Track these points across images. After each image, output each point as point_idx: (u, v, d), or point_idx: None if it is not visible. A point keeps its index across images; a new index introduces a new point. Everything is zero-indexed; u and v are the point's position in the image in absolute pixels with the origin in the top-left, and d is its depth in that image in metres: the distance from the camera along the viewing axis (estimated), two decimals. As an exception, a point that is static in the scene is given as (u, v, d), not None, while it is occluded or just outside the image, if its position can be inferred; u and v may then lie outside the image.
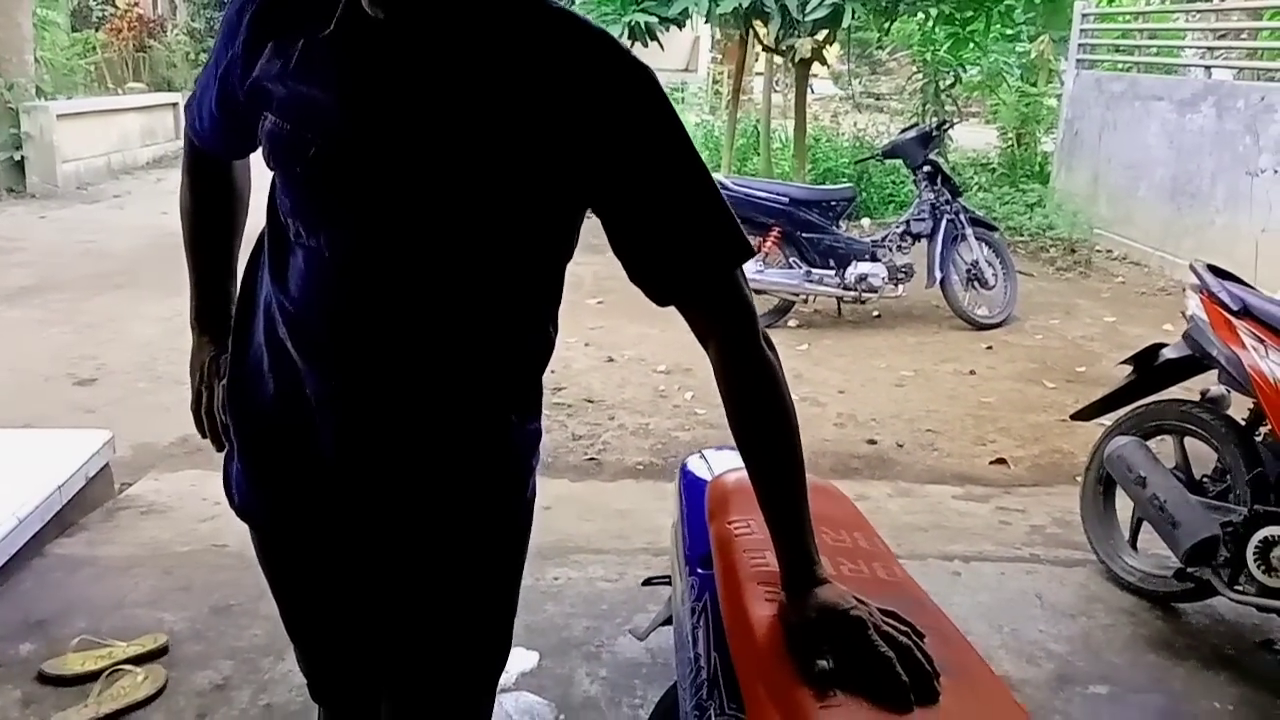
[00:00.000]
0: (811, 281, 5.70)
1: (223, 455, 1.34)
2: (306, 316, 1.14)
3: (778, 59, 7.60)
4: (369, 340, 1.11)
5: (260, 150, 1.15)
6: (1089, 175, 8.52)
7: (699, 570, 1.31)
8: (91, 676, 2.30)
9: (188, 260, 1.43)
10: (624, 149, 1.07)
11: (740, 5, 6.17)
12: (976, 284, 5.92)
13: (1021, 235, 8.15)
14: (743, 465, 1.15)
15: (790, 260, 5.75)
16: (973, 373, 5.15)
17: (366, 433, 1.15)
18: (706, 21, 7.12)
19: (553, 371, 4.85)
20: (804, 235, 5.71)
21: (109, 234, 7.86)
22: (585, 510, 3.48)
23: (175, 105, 11.92)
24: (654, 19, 6.67)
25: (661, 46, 6.95)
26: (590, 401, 4.60)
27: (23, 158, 9.14)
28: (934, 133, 6.17)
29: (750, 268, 5.60)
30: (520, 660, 2.51)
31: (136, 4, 21.52)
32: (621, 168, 1.07)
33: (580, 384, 4.81)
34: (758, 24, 6.70)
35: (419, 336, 1.12)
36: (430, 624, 1.25)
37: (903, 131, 6.61)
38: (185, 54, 20.33)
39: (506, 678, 2.45)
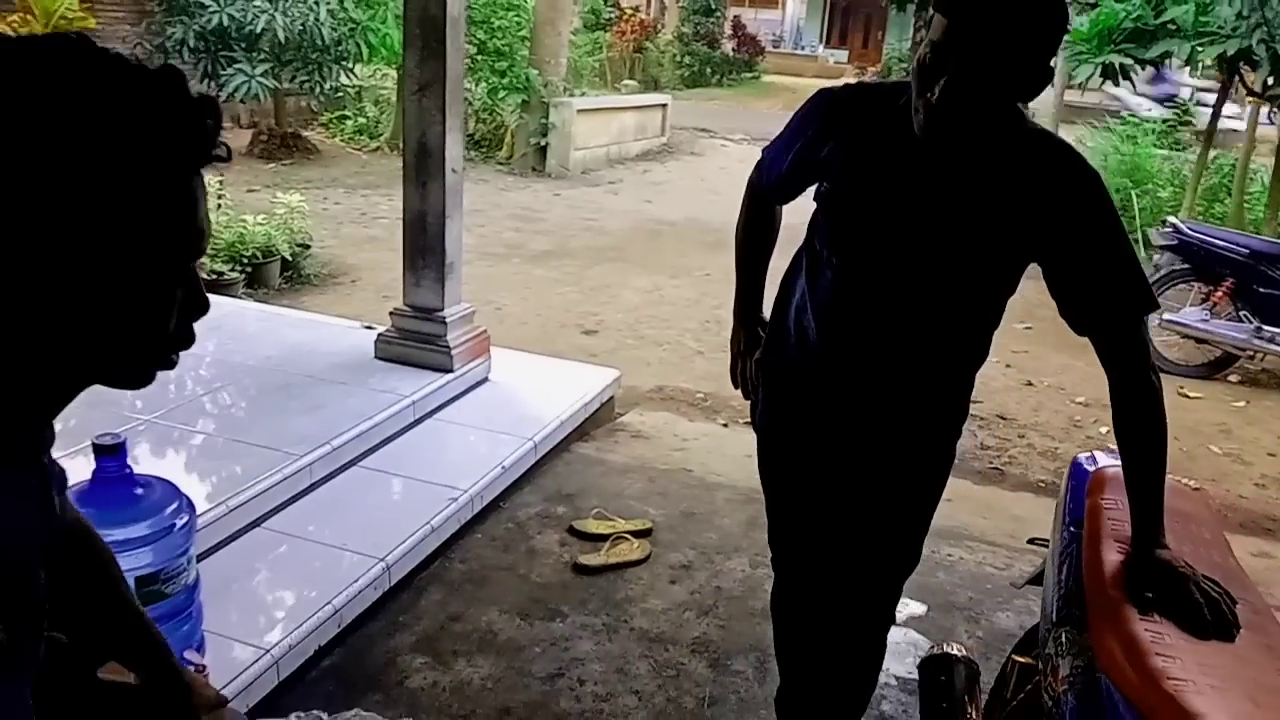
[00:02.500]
0: (1261, 339, 5.50)
1: (748, 403, 2.10)
2: (827, 309, 1.82)
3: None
4: (866, 330, 1.77)
5: (815, 197, 1.85)
6: None
7: (1072, 529, 1.82)
8: (602, 537, 3.25)
9: (737, 270, 2.18)
10: (1072, 229, 1.60)
11: (1225, 52, 6.00)
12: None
13: None
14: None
15: (1241, 314, 5.59)
16: None
17: (857, 384, 1.82)
18: (1186, 65, 6.95)
19: (971, 385, 5.28)
20: (1261, 290, 5.52)
21: (605, 214, 9.43)
22: (983, 509, 3.93)
23: (664, 106, 13.64)
24: (1130, 60, 6.68)
25: (1133, 85, 6.93)
26: (1002, 418, 4.96)
27: (546, 144, 11.16)
28: None
29: (1194, 315, 5.57)
30: (911, 607, 3.09)
31: (639, 9, 24.35)
32: (1068, 241, 1.60)
33: (995, 401, 5.17)
34: (1244, 69, 6.44)
35: (900, 331, 1.76)
36: (877, 520, 1.90)
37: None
38: (672, 56, 22.77)
39: (898, 616, 3.06)
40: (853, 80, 1.82)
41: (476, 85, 11.38)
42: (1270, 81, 6.44)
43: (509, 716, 2.47)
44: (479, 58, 11.48)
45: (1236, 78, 6.65)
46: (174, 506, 2.11)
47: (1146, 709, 1.34)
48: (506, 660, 2.68)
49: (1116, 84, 6.91)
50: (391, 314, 4.02)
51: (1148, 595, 1.51)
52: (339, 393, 3.65)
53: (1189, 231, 5.74)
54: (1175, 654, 1.41)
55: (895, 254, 1.69)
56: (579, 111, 11.24)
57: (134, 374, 0.93)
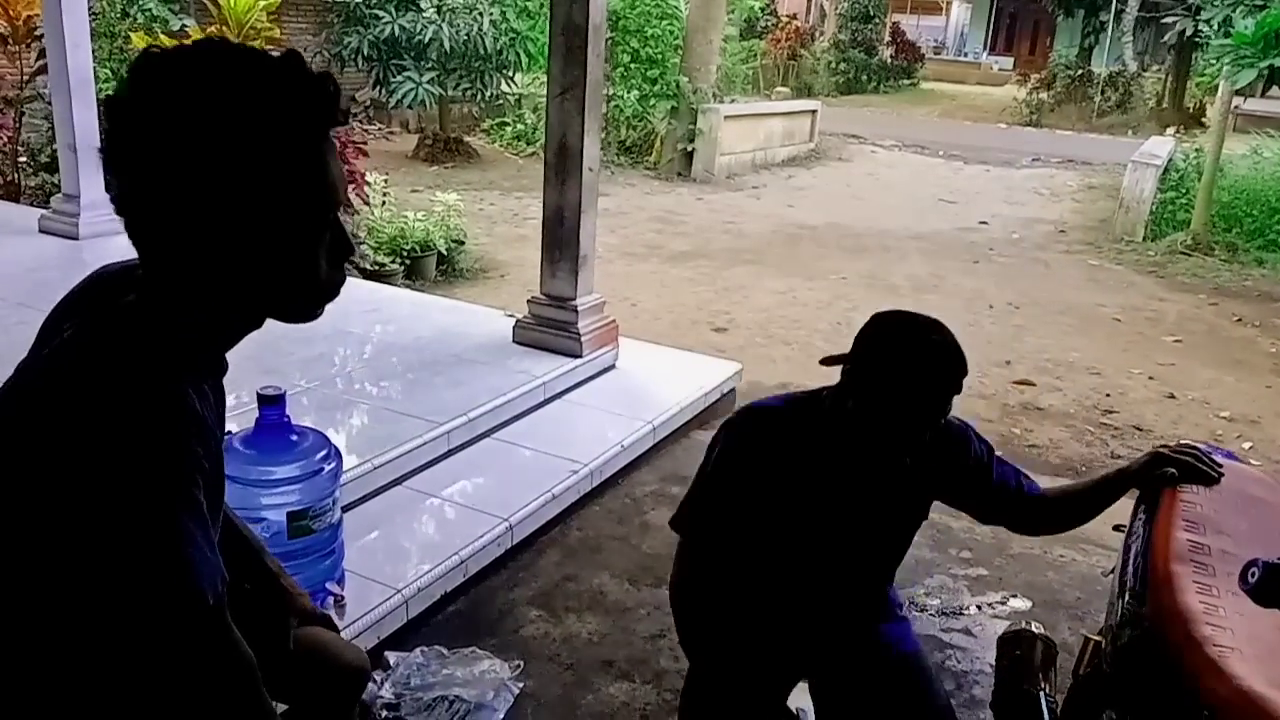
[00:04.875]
0: None
1: None
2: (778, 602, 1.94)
3: None
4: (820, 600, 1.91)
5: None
6: None
7: (1145, 512, 1.87)
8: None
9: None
10: (969, 472, 1.91)
11: None
12: None
13: None
14: None
15: None
16: None
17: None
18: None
19: (1107, 395, 5.21)
20: None
21: (746, 218, 9.57)
22: (1105, 515, 3.86)
23: (814, 112, 13.66)
24: (1298, 63, 6.35)
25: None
26: (1139, 430, 4.83)
27: (693, 149, 11.39)
28: None
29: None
30: (1014, 603, 3.13)
31: (795, 16, 24.33)
32: (969, 480, 1.92)
33: (1133, 413, 5.04)
34: None
35: (849, 587, 1.91)
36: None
37: None
38: (828, 64, 22.66)
39: (1002, 609, 3.11)
40: (744, 414, 1.90)
41: (628, 93, 11.74)
42: None
43: (611, 668, 2.67)
44: (632, 66, 11.84)
45: None
46: (324, 453, 2.41)
47: (1191, 672, 1.41)
48: (613, 619, 2.88)
49: (1276, 88, 6.54)
50: (529, 302, 4.30)
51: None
52: (479, 371, 3.95)
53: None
54: (1226, 625, 1.47)
55: (847, 545, 1.85)
56: (726, 118, 11.42)
57: (300, 311, 1.15)
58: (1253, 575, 1.35)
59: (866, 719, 1.89)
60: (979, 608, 3.10)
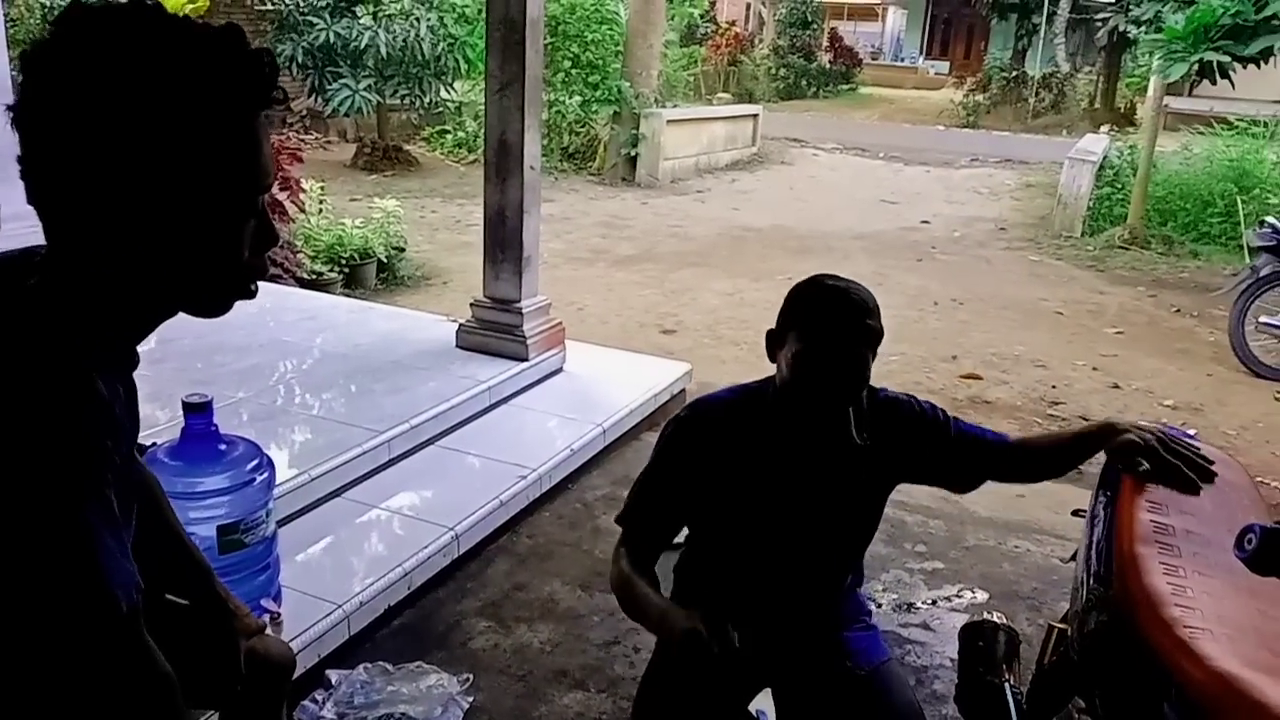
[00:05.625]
0: (1368, 342, 5.26)
1: None
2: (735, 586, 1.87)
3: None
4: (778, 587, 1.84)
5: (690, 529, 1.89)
6: None
7: (1106, 493, 1.83)
8: (666, 520, 3.33)
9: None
10: (927, 445, 1.81)
11: (1337, 43, 5.75)
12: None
13: None
14: None
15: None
16: None
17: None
18: (1290, 60, 6.69)
19: (1053, 387, 5.24)
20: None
21: (691, 222, 9.54)
22: (1055, 504, 3.86)
23: (755, 117, 13.70)
24: (1227, 58, 6.46)
25: (1232, 84, 6.70)
26: (1085, 419, 4.85)
27: (637, 154, 11.34)
28: None
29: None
30: (971, 596, 3.09)
31: (734, 23, 24.48)
32: (931, 452, 1.81)
33: (1078, 404, 5.07)
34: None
35: (810, 577, 1.84)
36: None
37: None
38: (768, 69, 22.81)
39: (959, 602, 3.07)
40: (689, 406, 1.85)
41: (570, 98, 11.66)
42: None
43: (565, 678, 2.58)
44: (573, 71, 11.77)
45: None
46: (255, 463, 2.29)
47: (1162, 653, 1.36)
48: (566, 627, 2.79)
49: (1214, 83, 6.69)
50: (472, 305, 4.19)
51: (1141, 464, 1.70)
52: (420, 377, 3.83)
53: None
54: (1194, 605, 1.42)
55: (802, 534, 1.78)
56: (669, 122, 11.39)
57: (215, 301, 1.05)
58: (1249, 542, 1.31)
59: None
60: (936, 602, 3.07)
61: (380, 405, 3.54)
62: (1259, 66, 6.71)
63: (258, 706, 1.59)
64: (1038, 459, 1.91)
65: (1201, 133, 10.78)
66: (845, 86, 25.94)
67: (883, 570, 3.19)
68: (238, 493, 2.23)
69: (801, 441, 1.76)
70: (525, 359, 4.03)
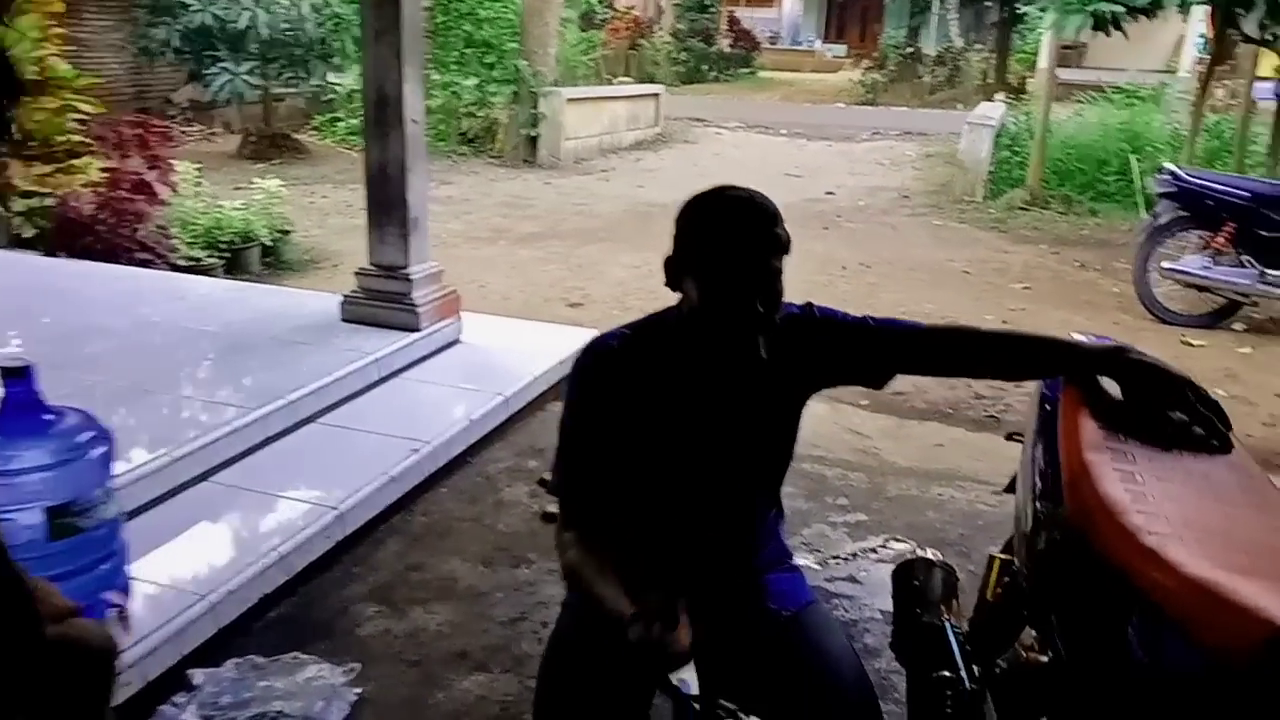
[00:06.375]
0: (1266, 283, 5.31)
1: None
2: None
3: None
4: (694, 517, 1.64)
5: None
6: None
7: (1047, 407, 1.66)
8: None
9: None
10: (839, 347, 1.62)
11: (1219, -7, 5.81)
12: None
13: None
14: None
15: (1243, 259, 5.40)
16: None
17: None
18: (1180, 8, 6.76)
19: (966, 341, 5.16)
20: (1263, 234, 5.33)
21: (596, 200, 9.30)
22: (977, 453, 3.77)
23: (657, 96, 13.53)
24: (1120, 8, 6.50)
25: (1126, 35, 6.76)
26: (999, 370, 4.79)
27: (537, 135, 11.03)
28: None
29: (1196, 263, 5.41)
30: (898, 546, 2.94)
31: (633, 7, 24.28)
32: (843, 354, 1.62)
33: (992, 355, 5.00)
34: (1239, 12, 6.26)
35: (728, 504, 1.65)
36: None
37: None
38: (668, 54, 22.65)
39: (885, 553, 2.92)
40: (586, 350, 1.60)
41: (465, 79, 11.29)
42: (1266, 23, 6.26)
43: (466, 659, 2.33)
44: (467, 51, 11.40)
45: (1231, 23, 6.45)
46: (87, 436, 1.98)
47: (1127, 566, 1.19)
48: (467, 607, 2.54)
49: (1108, 34, 6.73)
50: (357, 274, 3.89)
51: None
52: (300, 353, 3.51)
53: (1187, 178, 5.56)
54: (1157, 511, 1.26)
55: (716, 461, 1.60)
56: (569, 101, 11.12)
57: None
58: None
59: (761, 689, 1.60)
60: (861, 554, 2.90)
61: (255, 382, 3.23)
62: (1149, 18, 6.78)
63: (72, 705, 1.31)
64: (980, 350, 1.69)
65: (1093, 99, 10.98)
66: (745, 70, 25.96)
67: (804, 525, 3.01)
68: (66, 468, 1.92)
69: (709, 365, 1.56)
70: (417, 329, 3.75)
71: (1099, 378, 1.58)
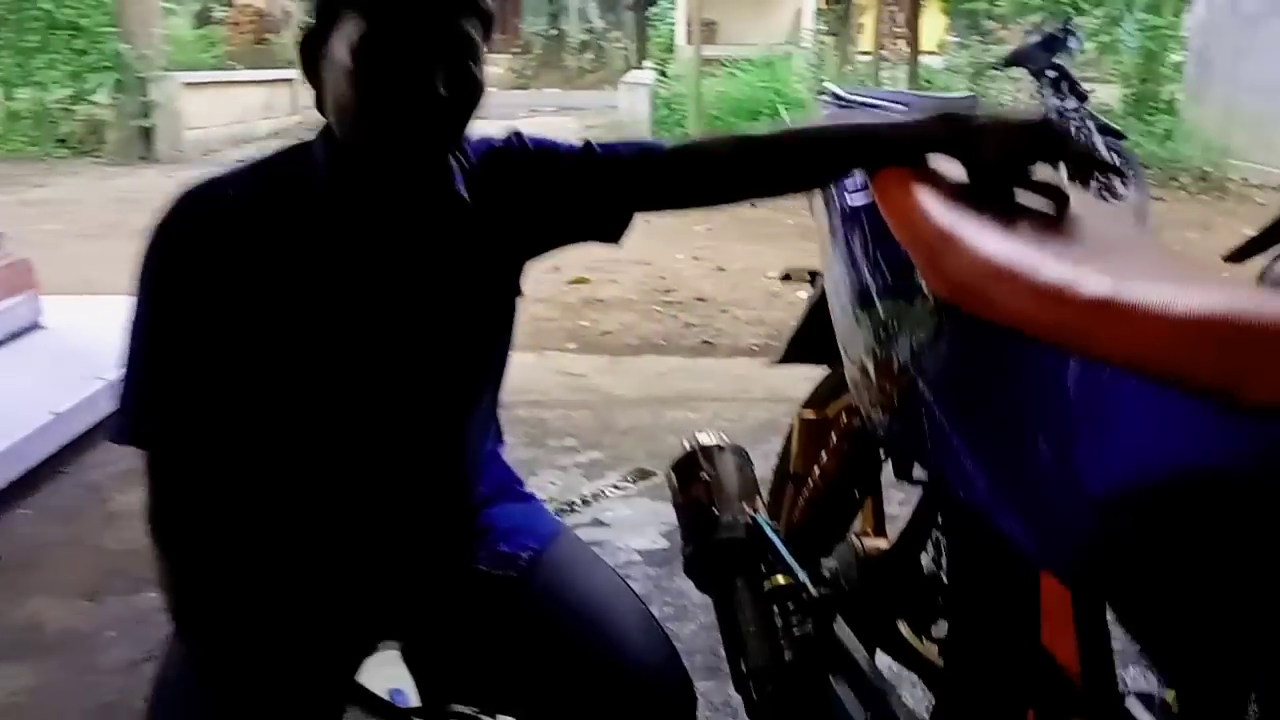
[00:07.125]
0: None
1: None
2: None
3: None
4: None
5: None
6: (1221, 104, 8.04)
7: (852, 202, 1.21)
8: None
9: None
10: (557, 188, 1.06)
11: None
12: (1106, 193, 5.61)
13: (1150, 166, 7.73)
14: None
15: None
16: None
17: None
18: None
19: (663, 278, 4.90)
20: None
21: (231, 188, 8.17)
22: (701, 377, 3.41)
23: (291, 82, 12.33)
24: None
25: None
26: (701, 300, 4.52)
27: (152, 125, 9.55)
28: (1059, 35, 5.87)
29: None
30: (644, 474, 2.48)
31: (251, 4, 22.44)
32: (563, 197, 1.07)
33: (691, 288, 4.74)
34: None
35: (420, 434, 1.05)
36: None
37: (1026, 35, 6.33)
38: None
39: (630, 487, 2.43)
40: (174, 208, 0.92)
41: (51, 69, 9.58)
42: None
43: (57, 737, 1.53)
44: (50, 34, 9.68)
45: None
46: None
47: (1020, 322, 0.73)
48: (59, 660, 1.72)
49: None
50: None
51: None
52: None
53: (848, 95, 5.57)
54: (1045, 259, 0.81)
55: (402, 356, 1.01)
56: (186, 86, 9.74)
57: None
58: None
59: (512, 670, 1.01)
60: (602, 493, 2.39)
61: None
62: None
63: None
64: (751, 160, 1.14)
65: (729, 72, 11.36)
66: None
67: (530, 475, 2.44)
68: None
69: (378, 217, 0.96)
70: (-35, 311, 2.75)
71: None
